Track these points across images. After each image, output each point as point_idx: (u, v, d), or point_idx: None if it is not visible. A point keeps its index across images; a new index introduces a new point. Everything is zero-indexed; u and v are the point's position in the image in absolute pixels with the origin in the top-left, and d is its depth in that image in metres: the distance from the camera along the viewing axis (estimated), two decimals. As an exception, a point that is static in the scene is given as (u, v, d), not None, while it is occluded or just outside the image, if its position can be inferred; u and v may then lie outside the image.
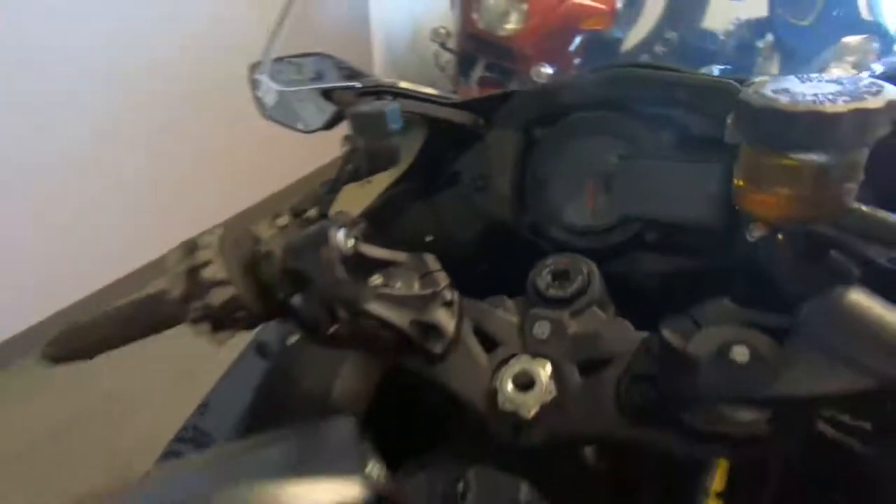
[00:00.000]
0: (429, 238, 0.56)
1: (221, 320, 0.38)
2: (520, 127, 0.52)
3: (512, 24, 1.76)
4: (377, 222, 0.45)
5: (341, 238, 0.38)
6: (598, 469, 0.39)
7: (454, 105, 0.52)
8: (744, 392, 0.27)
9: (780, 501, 0.36)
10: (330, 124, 0.54)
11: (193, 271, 0.37)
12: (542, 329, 0.37)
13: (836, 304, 0.25)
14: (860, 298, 0.25)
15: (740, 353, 0.27)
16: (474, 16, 1.74)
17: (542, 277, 0.40)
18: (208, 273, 0.37)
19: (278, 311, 0.39)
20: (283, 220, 0.41)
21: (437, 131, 0.55)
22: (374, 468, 0.27)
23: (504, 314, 0.39)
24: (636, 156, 0.46)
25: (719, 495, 0.38)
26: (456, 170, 0.56)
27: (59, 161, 1.74)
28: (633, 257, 0.48)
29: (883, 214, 0.28)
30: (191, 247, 0.38)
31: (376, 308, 0.36)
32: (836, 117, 0.25)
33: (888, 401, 0.25)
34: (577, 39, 1.72)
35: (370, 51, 1.63)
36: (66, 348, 0.42)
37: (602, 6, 1.75)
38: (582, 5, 1.78)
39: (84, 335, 0.42)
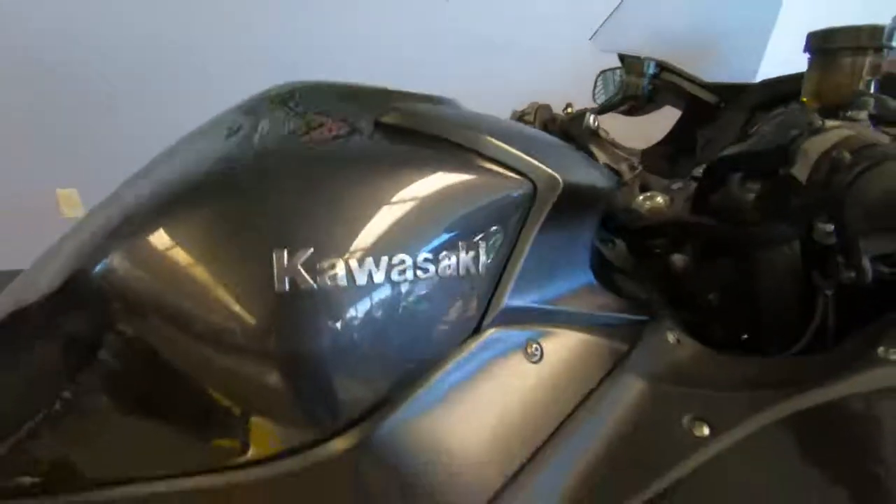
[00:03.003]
0: None
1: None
2: (746, 109, 0.75)
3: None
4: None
5: (590, 119, 0.71)
6: (679, 266, 0.61)
7: (704, 85, 0.79)
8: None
9: None
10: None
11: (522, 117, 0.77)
12: (675, 186, 0.63)
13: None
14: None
15: None
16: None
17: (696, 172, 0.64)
18: (525, 119, 0.76)
19: None
20: (571, 111, 0.78)
21: (689, 108, 0.82)
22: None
23: (660, 180, 0.66)
24: None
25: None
26: (694, 137, 0.82)
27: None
28: None
29: (885, 99, 0.45)
30: (521, 109, 0.78)
31: (595, 149, 0.68)
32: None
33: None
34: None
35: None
36: None
37: None
38: None
39: None
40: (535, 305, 0.40)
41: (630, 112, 0.87)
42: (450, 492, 0.33)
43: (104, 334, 0.32)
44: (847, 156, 0.35)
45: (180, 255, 0.31)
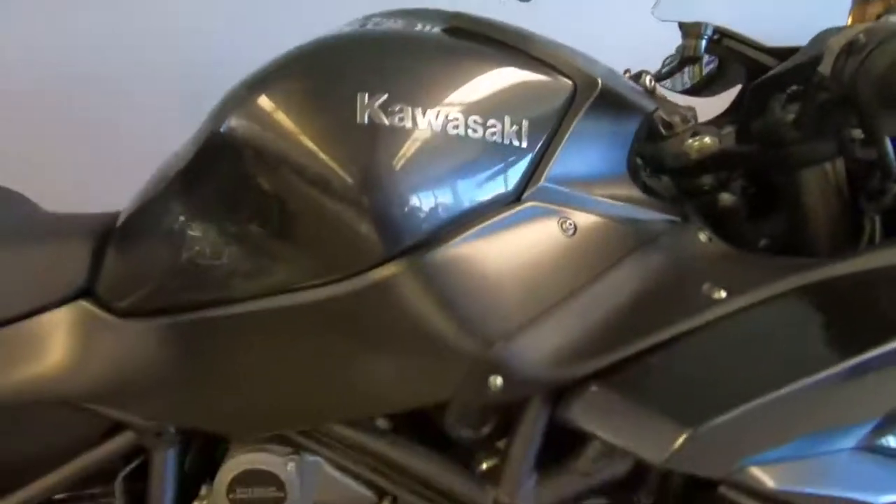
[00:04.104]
0: None
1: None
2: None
3: None
4: None
5: (647, 79, 0.76)
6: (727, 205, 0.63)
7: (765, 49, 0.81)
8: None
9: None
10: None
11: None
12: (725, 131, 0.65)
13: None
14: None
15: None
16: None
17: None
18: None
19: None
20: (629, 75, 0.82)
21: (751, 76, 0.84)
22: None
23: (712, 128, 0.69)
24: None
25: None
26: None
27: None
28: None
29: None
30: None
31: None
32: None
33: None
34: None
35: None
36: None
37: None
38: None
39: None
40: (572, 191, 0.45)
41: (695, 91, 0.90)
42: (480, 317, 0.39)
43: (238, 177, 0.42)
44: (862, 38, 0.38)
45: (290, 98, 0.41)
